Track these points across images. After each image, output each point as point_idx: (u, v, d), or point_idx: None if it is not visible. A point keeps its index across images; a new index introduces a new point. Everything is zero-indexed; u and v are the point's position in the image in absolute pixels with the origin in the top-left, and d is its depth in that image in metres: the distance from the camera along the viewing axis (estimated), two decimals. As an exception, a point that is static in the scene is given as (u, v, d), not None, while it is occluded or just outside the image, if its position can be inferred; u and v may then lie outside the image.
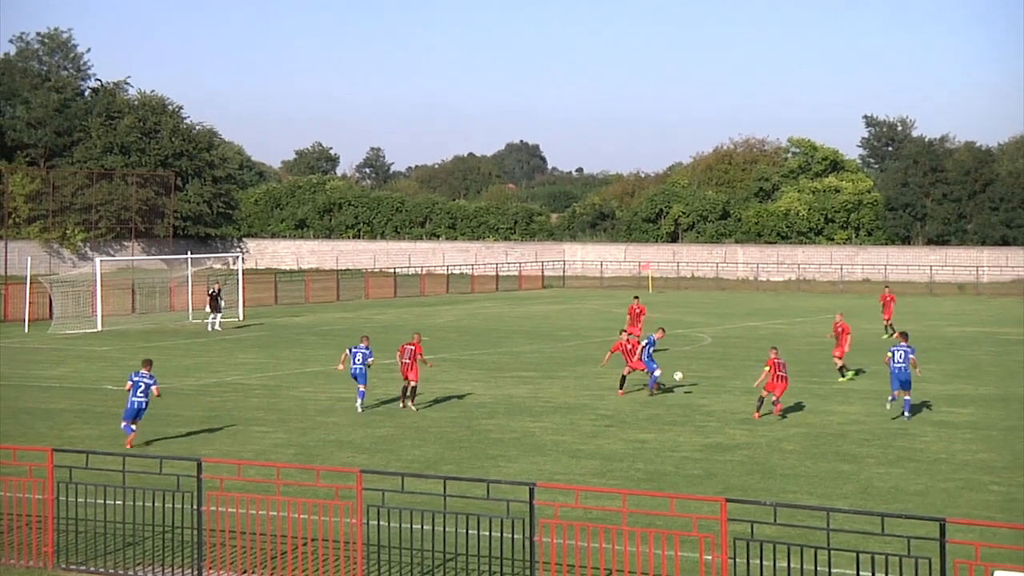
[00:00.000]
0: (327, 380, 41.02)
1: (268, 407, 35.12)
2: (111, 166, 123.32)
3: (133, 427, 28.94)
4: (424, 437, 30.06)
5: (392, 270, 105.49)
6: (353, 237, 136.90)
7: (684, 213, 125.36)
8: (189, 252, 76.97)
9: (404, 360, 34.48)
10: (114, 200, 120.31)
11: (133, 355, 49.50)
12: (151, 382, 29.20)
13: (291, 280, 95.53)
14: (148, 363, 29.84)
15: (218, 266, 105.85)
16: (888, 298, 57.57)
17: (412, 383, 34.57)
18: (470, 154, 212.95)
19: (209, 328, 58.95)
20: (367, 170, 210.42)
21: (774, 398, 33.25)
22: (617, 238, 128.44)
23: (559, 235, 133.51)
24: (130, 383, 29.17)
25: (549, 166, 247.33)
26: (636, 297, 54.87)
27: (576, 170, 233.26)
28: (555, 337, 57.32)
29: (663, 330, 41.18)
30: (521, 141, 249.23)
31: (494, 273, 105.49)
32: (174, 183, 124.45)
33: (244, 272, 72.91)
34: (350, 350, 34.60)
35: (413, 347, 34.68)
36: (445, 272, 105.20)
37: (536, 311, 74.94)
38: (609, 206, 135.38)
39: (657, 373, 37.64)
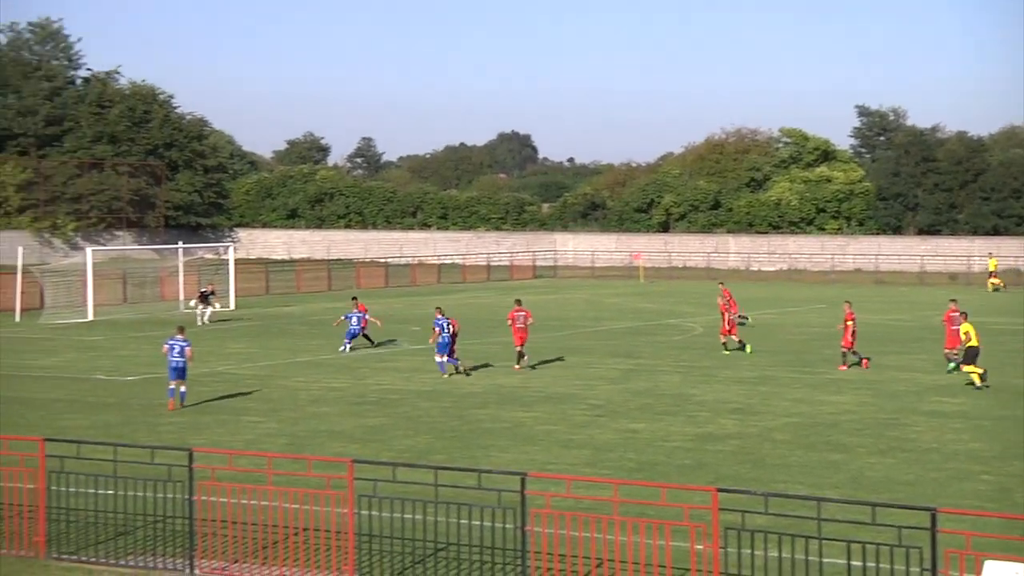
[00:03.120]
0: (318, 370, 41.04)
1: (259, 397, 35.13)
2: (101, 155, 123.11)
3: (181, 388, 33.19)
4: (415, 427, 30.07)
5: (383, 260, 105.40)
6: (344, 227, 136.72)
7: (675, 203, 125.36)
8: (180, 242, 76.66)
9: (518, 325, 41.54)
10: (105, 190, 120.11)
11: (124, 345, 49.52)
12: (185, 344, 33.38)
13: (282, 270, 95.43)
14: (182, 328, 34.43)
15: (209, 256, 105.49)
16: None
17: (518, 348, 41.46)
18: (462, 144, 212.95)
19: (199, 322, 58.11)
20: (358, 160, 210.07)
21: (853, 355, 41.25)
22: (608, 228, 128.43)
23: (550, 225, 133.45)
24: (166, 346, 33.45)
25: (540, 156, 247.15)
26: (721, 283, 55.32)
27: (567, 160, 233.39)
28: (546, 327, 57.31)
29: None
30: (513, 131, 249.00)
31: (485, 263, 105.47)
32: (164, 173, 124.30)
33: (235, 262, 72.78)
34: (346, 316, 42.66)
35: (524, 313, 41.83)
36: (436, 262, 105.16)
37: (527, 301, 74.75)
38: (600, 196, 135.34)
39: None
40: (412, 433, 29.23)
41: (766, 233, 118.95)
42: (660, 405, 33.52)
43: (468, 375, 39.75)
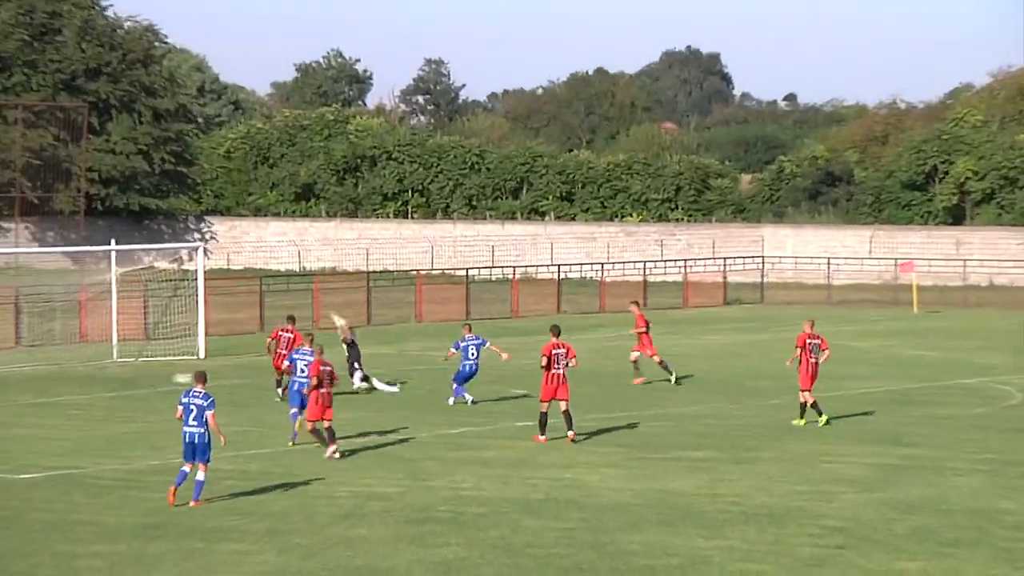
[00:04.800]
0: (351, 464, 41.27)
1: (249, 509, 35.40)
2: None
3: (198, 475, 34.91)
4: (518, 563, 30.14)
5: (463, 272, 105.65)
6: (395, 215, 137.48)
7: (975, 173, 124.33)
8: (113, 240, 77.07)
9: (555, 370, 44.10)
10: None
11: (15, 420, 50.04)
12: (207, 404, 35.04)
13: (288, 289, 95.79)
14: (203, 378, 35.90)
15: (164, 264, 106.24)
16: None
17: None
18: (598, 70, 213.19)
19: (378, 386, 57.21)
20: (419, 99, 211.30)
21: None
22: (855, 218, 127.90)
23: (754, 211, 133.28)
24: (180, 408, 35.50)
25: (736, 91, 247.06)
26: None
27: (783, 99, 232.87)
28: (746, 389, 57.16)
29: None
30: (688, 48, 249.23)
31: (639, 277, 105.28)
32: (87, 120, 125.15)
33: (207, 275, 73.13)
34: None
35: (564, 350, 43.98)
36: (553, 275, 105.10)
37: (714, 344, 74.85)
38: (842, 161, 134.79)
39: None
40: (512, 573, 29.31)
41: None
42: (948, 528, 33.29)
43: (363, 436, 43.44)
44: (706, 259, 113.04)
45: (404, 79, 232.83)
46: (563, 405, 43.89)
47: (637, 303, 64.01)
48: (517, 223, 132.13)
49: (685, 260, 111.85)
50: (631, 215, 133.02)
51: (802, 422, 48.22)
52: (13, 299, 73.27)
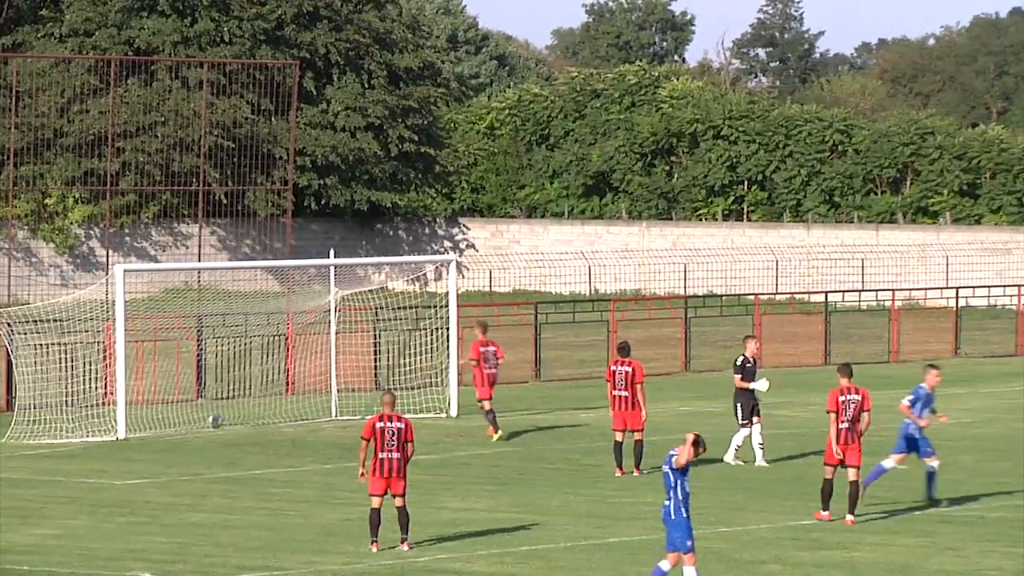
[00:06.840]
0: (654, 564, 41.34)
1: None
2: (146, 46, 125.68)
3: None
4: None
5: (819, 298, 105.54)
6: (724, 216, 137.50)
7: None
8: (332, 252, 77.58)
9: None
10: (157, 125, 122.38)
11: (198, 502, 50.70)
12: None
13: (574, 321, 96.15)
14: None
15: (401, 285, 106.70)
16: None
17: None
18: (1015, 12, 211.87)
19: (731, 455, 57.03)
20: (759, 53, 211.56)
21: None
22: None
23: None
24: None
25: None
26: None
27: None
28: None
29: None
30: None
31: None
32: (297, 84, 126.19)
33: (462, 300, 73.52)
34: None
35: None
36: (950, 303, 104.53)
37: None
38: None
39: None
40: None
41: None
42: None
43: None
44: None
45: (738, 26, 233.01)
46: (851, 473, 44.64)
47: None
48: (897, 228, 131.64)
49: None
50: None
51: None
52: (195, 334, 73.49)
